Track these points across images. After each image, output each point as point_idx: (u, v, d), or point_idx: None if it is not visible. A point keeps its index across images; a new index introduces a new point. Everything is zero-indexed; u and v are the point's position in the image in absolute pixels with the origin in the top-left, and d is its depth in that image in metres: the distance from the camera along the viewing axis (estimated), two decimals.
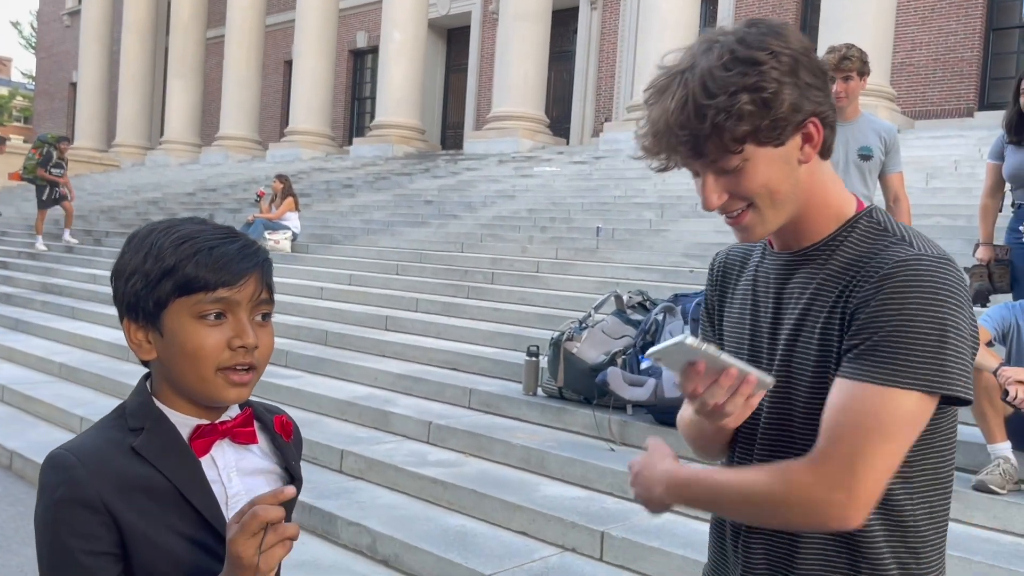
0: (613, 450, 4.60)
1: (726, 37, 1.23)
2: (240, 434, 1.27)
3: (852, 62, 3.96)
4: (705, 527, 3.81)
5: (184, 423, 1.23)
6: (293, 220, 11.35)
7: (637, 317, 5.21)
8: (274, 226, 11.16)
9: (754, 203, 1.26)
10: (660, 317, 4.87)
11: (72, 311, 9.35)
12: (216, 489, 1.23)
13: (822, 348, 1.26)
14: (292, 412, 5.59)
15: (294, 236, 11.26)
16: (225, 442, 1.26)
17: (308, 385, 6.08)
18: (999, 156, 4.50)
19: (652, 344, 4.86)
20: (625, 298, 5.31)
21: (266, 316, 1.25)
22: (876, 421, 1.18)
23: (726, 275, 1.47)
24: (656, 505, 1.38)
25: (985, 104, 15.15)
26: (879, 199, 4.19)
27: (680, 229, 9.05)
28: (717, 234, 8.68)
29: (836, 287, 1.26)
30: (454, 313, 7.57)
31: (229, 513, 1.23)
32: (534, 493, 4.22)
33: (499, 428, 4.99)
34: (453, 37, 24.38)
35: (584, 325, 5.13)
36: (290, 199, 11.35)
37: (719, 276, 1.49)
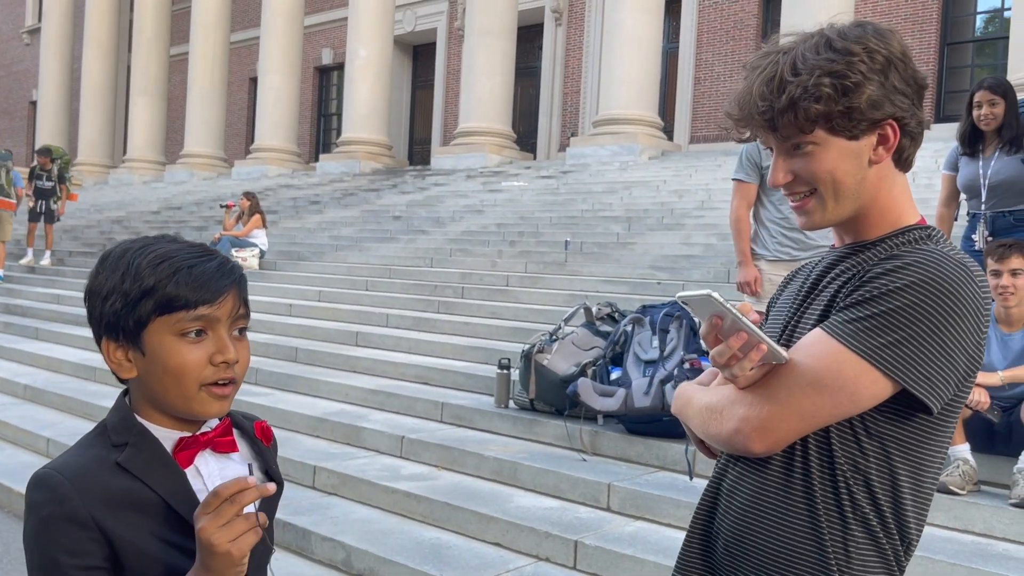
0: (585, 460, 4.64)
1: (831, 30, 1.31)
2: (221, 443, 1.30)
3: None
4: (679, 534, 3.88)
5: (167, 436, 1.26)
6: (261, 237, 11.30)
7: (606, 328, 5.27)
8: (241, 243, 11.10)
9: (817, 190, 1.32)
10: (629, 328, 4.94)
11: (36, 332, 9.23)
12: (201, 498, 1.26)
13: (820, 318, 1.31)
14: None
15: (262, 253, 11.21)
16: (207, 452, 1.29)
17: (279, 402, 6.06)
18: (954, 167, 4.64)
19: (622, 355, 4.93)
20: (594, 310, 5.38)
21: (242, 331, 1.29)
22: (814, 368, 1.23)
23: (795, 277, 1.53)
24: None
25: (941, 117, 15.51)
26: None
27: (647, 242, 9.15)
28: (684, 246, 8.81)
29: (857, 269, 1.31)
30: (425, 328, 7.59)
31: None
32: (507, 504, 4.25)
33: (471, 441, 5.02)
34: (419, 53, 24.48)
35: (554, 337, 5.19)
36: (257, 216, 11.31)
37: (790, 278, 1.56)
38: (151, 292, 1.21)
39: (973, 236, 4.42)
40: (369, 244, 11.38)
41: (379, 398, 5.97)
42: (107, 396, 6.51)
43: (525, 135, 20.36)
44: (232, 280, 1.26)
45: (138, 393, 1.26)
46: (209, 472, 1.29)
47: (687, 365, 4.61)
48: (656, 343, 4.75)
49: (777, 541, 1.33)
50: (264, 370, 6.77)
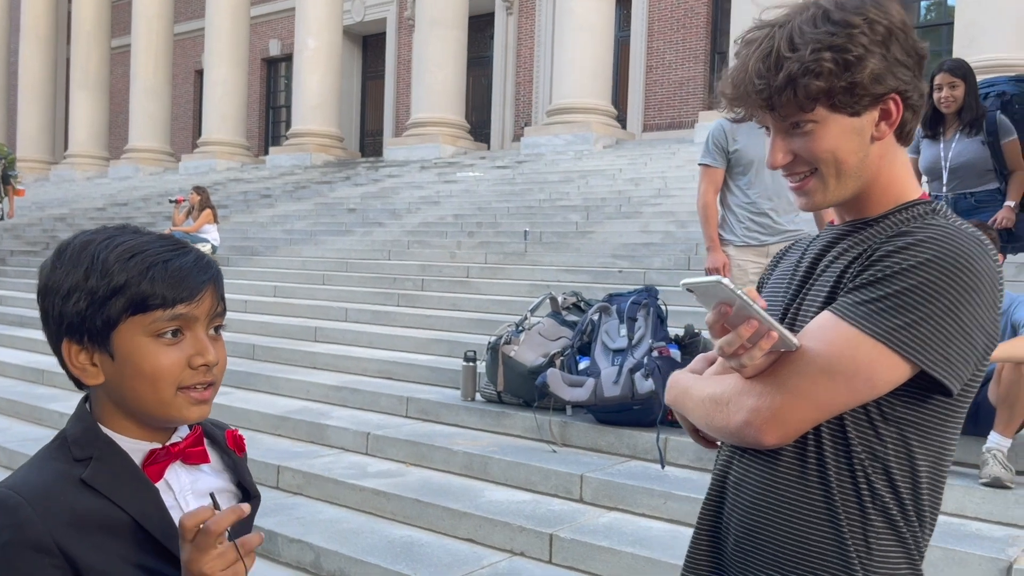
0: (555, 451, 4.59)
1: (827, 1, 1.23)
2: (192, 454, 1.20)
3: None
4: (654, 524, 3.85)
5: (135, 448, 1.15)
6: (212, 232, 11.05)
7: (572, 318, 5.22)
8: (192, 239, 10.81)
9: (819, 170, 1.25)
10: (596, 317, 4.89)
11: None
12: (175, 515, 1.16)
13: (827, 300, 1.25)
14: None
15: (213, 249, 10.96)
16: (177, 464, 1.19)
17: (238, 401, 5.91)
18: (915, 150, 4.67)
19: (589, 344, 4.88)
20: (560, 300, 5.32)
21: (218, 329, 1.19)
22: (827, 354, 1.17)
23: (787, 254, 1.47)
24: None
25: None
26: None
27: (606, 231, 9.13)
28: (643, 234, 8.80)
29: (863, 247, 1.25)
30: (385, 321, 7.47)
31: None
32: (479, 499, 4.18)
33: (439, 436, 4.93)
34: (369, 44, 24.18)
35: (520, 328, 5.12)
36: (208, 211, 11.05)
37: (782, 255, 1.49)
38: (122, 290, 1.10)
39: None
40: (324, 237, 11.19)
41: (342, 394, 5.85)
42: (57, 399, 6.28)
43: (478, 125, 20.24)
44: (210, 276, 1.16)
45: (103, 400, 1.15)
46: (180, 487, 1.19)
47: (655, 353, 4.58)
48: (624, 331, 4.71)
49: (792, 534, 1.27)
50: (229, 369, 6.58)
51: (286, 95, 25.24)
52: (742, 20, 13.45)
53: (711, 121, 13.93)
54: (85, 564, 1.05)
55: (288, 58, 24.31)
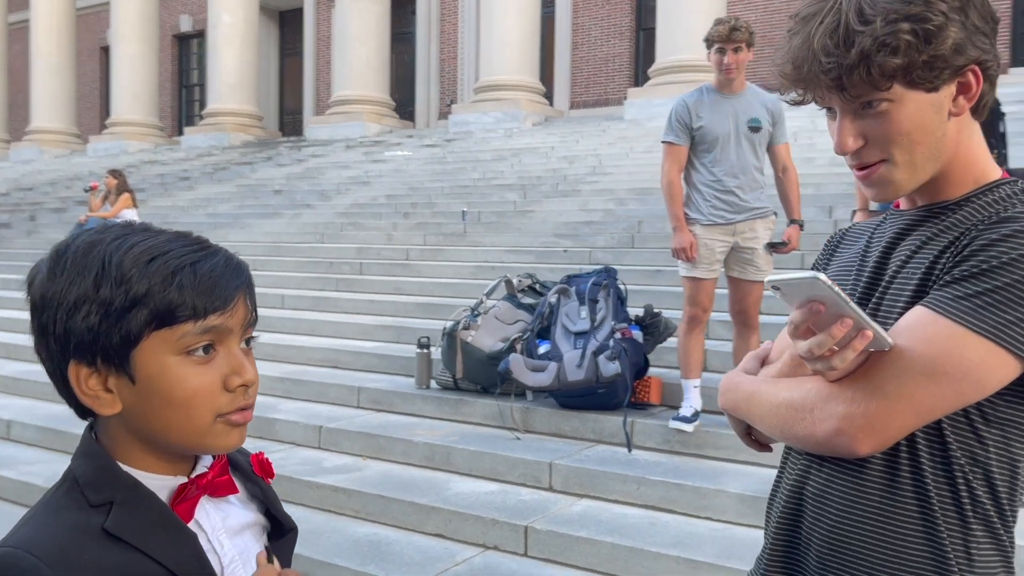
0: (519, 438, 4.47)
1: None
2: (219, 485, 1.02)
3: (742, 33, 3.97)
4: (629, 510, 3.76)
5: (161, 486, 0.97)
6: (131, 218, 10.51)
7: (528, 301, 5.10)
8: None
9: (891, 156, 1.13)
10: (554, 300, 4.77)
11: None
12: (211, 559, 0.98)
13: (917, 293, 1.14)
14: None
15: None
16: (203, 499, 1.01)
17: None
18: None
19: (548, 328, 4.76)
20: (515, 282, 5.18)
21: (249, 341, 1.01)
22: (929, 354, 1.06)
23: (842, 242, 1.35)
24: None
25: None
26: (769, 172, 4.25)
27: (545, 210, 9.02)
28: (583, 213, 8.73)
29: (951, 235, 1.14)
30: (325, 308, 7.21)
31: None
32: (445, 492, 4.03)
33: (396, 426, 4.75)
34: (286, 20, 23.44)
35: (477, 312, 4.97)
36: (126, 195, 10.52)
37: (836, 243, 1.37)
38: (143, 300, 0.90)
39: None
40: (251, 221, 10.79)
41: (286, 385, 5.60)
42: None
43: (403, 103, 19.85)
44: (243, 280, 0.98)
45: (118, 430, 0.96)
46: (212, 526, 1.01)
47: (618, 335, 4.49)
48: (585, 314, 4.61)
49: (885, 547, 1.17)
50: None
51: (199, 73, 24.31)
52: None
53: (640, 99, 13.95)
54: None
55: (201, 34, 23.40)
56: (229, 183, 13.89)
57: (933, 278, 1.14)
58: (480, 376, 4.82)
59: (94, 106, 25.31)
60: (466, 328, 4.80)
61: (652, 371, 4.73)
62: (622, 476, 3.90)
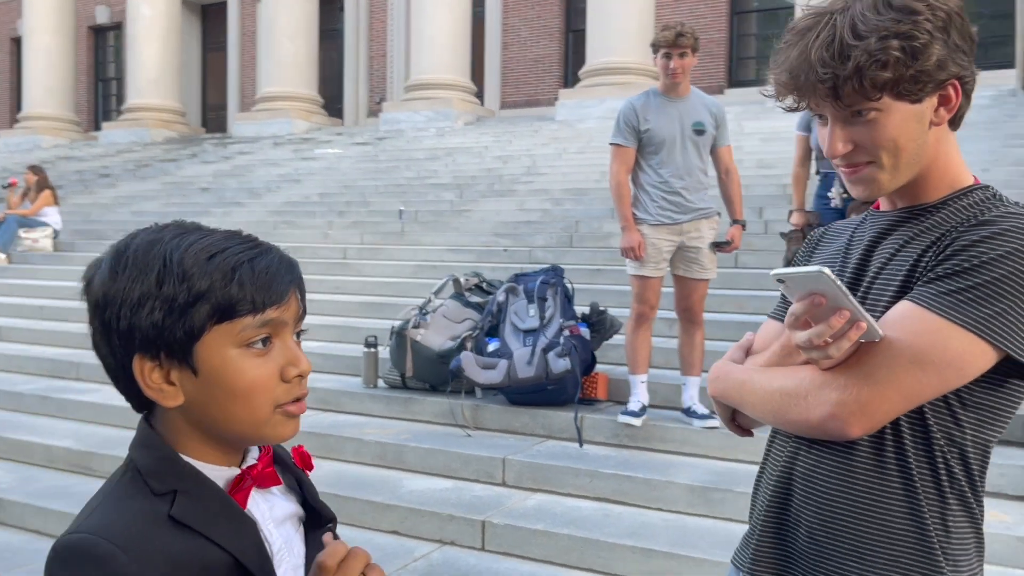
0: (470, 435, 4.52)
1: None
2: (265, 477, 1.07)
3: (687, 39, 4.10)
4: (582, 503, 3.85)
5: (218, 476, 1.01)
6: (52, 215, 10.16)
7: (476, 300, 5.15)
8: (30, 223, 9.94)
9: (877, 158, 1.23)
10: (503, 298, 4.84)
11: None
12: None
13: (901, 289, 1.23)
14: (99, 430, 5.03)
15: (55, 233, 10.09)
16: (252, 489, 1.05)
17: (112, 398, 5.45)
18: (807, 128, 4.87)
19: (496, 326, 4.83)
20: (463, 281, 5.23)
21: (299, 335, 1.06)
22: (916, 345, 1.16)
23: (822, 240, 1.43)
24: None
25: (733, 82, 16.49)
26: (712, 173, 4.39)
27: (483, 209, 9.07)
28: (521, 212, 8.81)
29: (932, 236, 1.24)
30: None
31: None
32: (400, 489, 4.05)
33: (345, 426, 4.75)
34: (208, 13, 22.90)
35: (425, 311, 4.99)
36: (47, 192, 10.15)
37: (816, 241, 1.46)
38: (205, 295, 0.95)
39: (829, 194, 4.67)
40: (179, 219, 10.53)
41: None
42: None
43: (331, 100, 19.63)
44: (296, 276, 1.03)
45: (177, 422, 0.99)
46: (262, 515, 1.05)
47: (566, 332, 4.58)
48: (533, 312, 4.68)
49: (872, 524, 1.27)
50: (87, 363, 6.09)
51: (116, 66, 23.57)
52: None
53: (571, 100, 14.12)
54: None
55: (118, 26, 22.70)
56: (154, 180, 13.54)
57: (917, 275, 1.24)
58: (430, 375, 4.86)
59: (4, 99, 24.31)
60: (416, 327, 4.83)
61: (598, 367, 4.84)
62: (574, 470, 3.99)
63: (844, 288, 1.15)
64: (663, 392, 4.59)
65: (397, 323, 5.01)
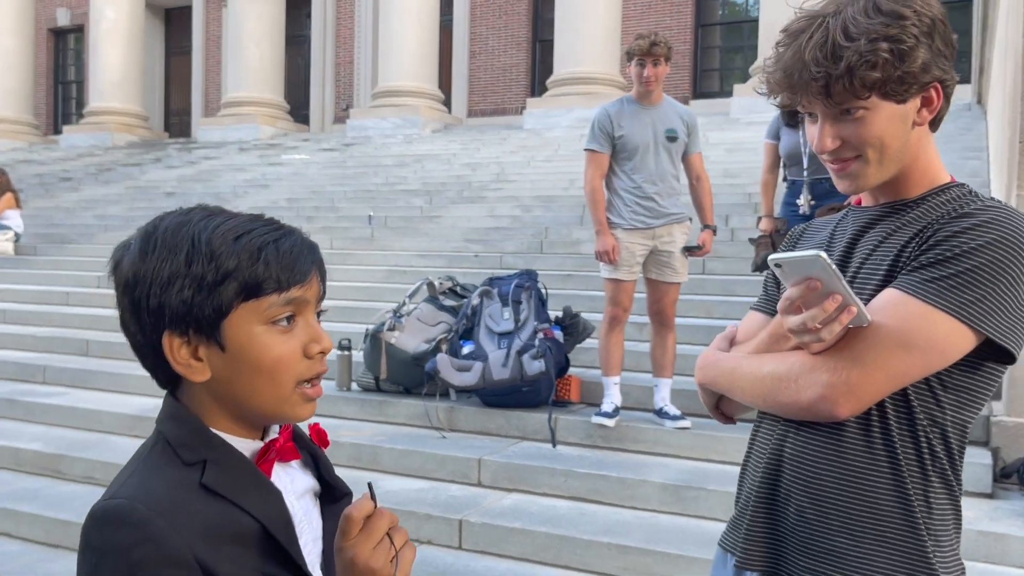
0: (445, 437, 4.55)
1: None
2: (286, 451, 1.11)
3: (661, 48, 4.19)
4: (558, 502, 3.90)
5: (245, 448, 1.05)
6: (14, 219, 10.00)
7: (450, 303, 5.19)
8: None
9: (864, 154, 1.30)
10: (477, 301, 4.88)
11: None
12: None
13: (885, 278, 1.30)
14: (67, 433, 4.98)
15: (17, 237, 9.93)
16: (275, 463, 1.10)
17: (79, 401, 5.41)
18: (776, 136, 4.99)
19: (471, 329, 4.87)
20: (437, 284, 5.26)
21: (319, 315, 1.11)
22: (902, 329, 1.24)
23: (804, 235, 1.50)
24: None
25: (698, 93, 16.72)
26: (684, 180, 4.49)
27: (453, 215, 9.11)
28: (491, 219, 8.87)
29: (914, 228, 1.31)
30: None
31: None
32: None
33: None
34: (172, 17, 22.68)
35: (400, 314, 5.02)
36: (9, 195, 9.99)
37: (798, 236, 1.52)
38: (233, 274, 0.99)
39: (797, 201, 4.79)
40: (144, 224, 10.41)
41: None
42: None
43: (297, 106, 19.54)
44: (316, 256, 1.08)
45: (203, 397, 1.03)
46: (283, 486, 1.09)
47: (540, 335, 4.64)
48: (508, 315, 4.73)
49: (860, 500, 1.33)
50: (53, 367, 6.02)
51: (77, 69, 23.25)
52: (567, 5, 13.79)
53: (539, 109, 14.21)
54: None
55: (78, 29, 22.40)
56: (117, 184, 13.37)
57: (900, 264, 1.32)
58: (404, 377, 4.88)
59: None
60: (390, 329, 4.86)
61: (571, 370, 4.91)
62: (549, 470, 4.04)
63: (838, 273, 1.22)
64: (635, 394, 4.66)
65: (372, 326, 5.03)
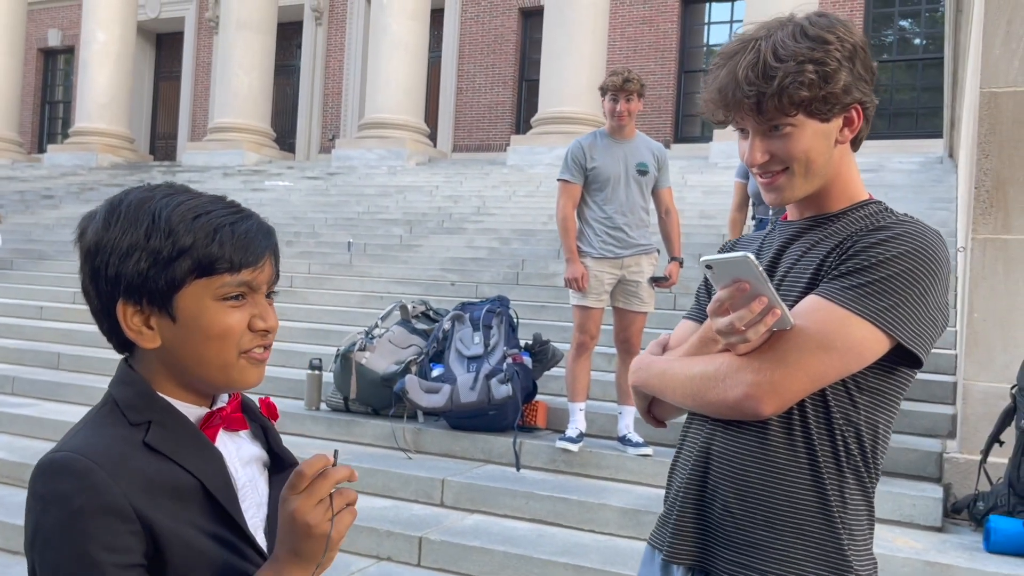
0: (410, 458, 4.59)
1: (800, 19, 1.38)
2: (232, 420, 1.17)
3: (634, 84, 4.33)
4: (518, 524, 3.94)
5: (189, 413, 1.11)
6: None
7: (422, 327, 5.25)
8: None
9: (791, 168, 1.40)
10: (448, 325, 4.95)
11: None
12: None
13: (808, 286, 1.40)
14: (33, 443, 4.97)
15: None
16: (221, 431, 1.16)
17: (50, 413, 5.41)
18: (745, 175, 5.13)
19: (441, 353, 4.93)
20: (410, 308, 5.33)
21: (270, 295, 1.17)
22: (822, 332, 1.32)
23: (735, 248, 1.59)
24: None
25: (680, 137, 17.02)
26: (653, 213, 4.61)
27: (432, 245, 9.21)
28: (469, 249, 8.96)
29: (834, 240, 1.41)
30: None
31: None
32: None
33: (287, 446, 4.76)
34: (163, 43, 22.88)
35: (371, 336, 5.08)
36: None
37: (729, 249, 1.61)
38: (188, 251, 1.05)
39: None
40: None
41: None
42: None
43: (283, 135, 19.68)
44: (271, 242, 1.14)
45: (154, 364, 1.10)
46: (228, 454, 1.15)
47: (509, 360, 4.71)
48: (478, 339, 4.81)
49: (782, 495, 1.41)
50: (23, 379, 6.01)
51: (64, 89, 23.33)
52: (553, 48, 14.07)
53: (523, 146, 14.42)
54: (161, 531, 1.00)
55: (69, 50, 22.54)
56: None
57: (822, 273, 1.41)
58: (373, 398, 4.93)
59: None
60: (361, 350, 4.91)
61: (538, 396, 4.97)
62: (511, 492, 4.09)
63: (764, 275, 1.31)
64: (600, 422, 4.73)
65: (343, 346, 5.08)
